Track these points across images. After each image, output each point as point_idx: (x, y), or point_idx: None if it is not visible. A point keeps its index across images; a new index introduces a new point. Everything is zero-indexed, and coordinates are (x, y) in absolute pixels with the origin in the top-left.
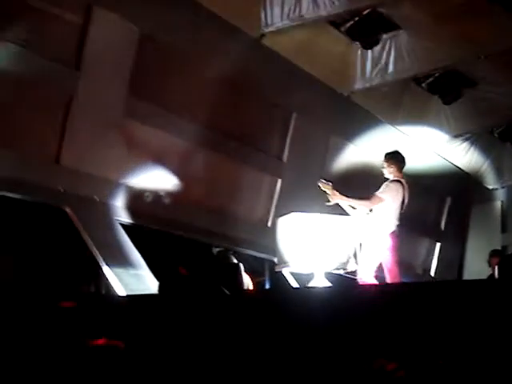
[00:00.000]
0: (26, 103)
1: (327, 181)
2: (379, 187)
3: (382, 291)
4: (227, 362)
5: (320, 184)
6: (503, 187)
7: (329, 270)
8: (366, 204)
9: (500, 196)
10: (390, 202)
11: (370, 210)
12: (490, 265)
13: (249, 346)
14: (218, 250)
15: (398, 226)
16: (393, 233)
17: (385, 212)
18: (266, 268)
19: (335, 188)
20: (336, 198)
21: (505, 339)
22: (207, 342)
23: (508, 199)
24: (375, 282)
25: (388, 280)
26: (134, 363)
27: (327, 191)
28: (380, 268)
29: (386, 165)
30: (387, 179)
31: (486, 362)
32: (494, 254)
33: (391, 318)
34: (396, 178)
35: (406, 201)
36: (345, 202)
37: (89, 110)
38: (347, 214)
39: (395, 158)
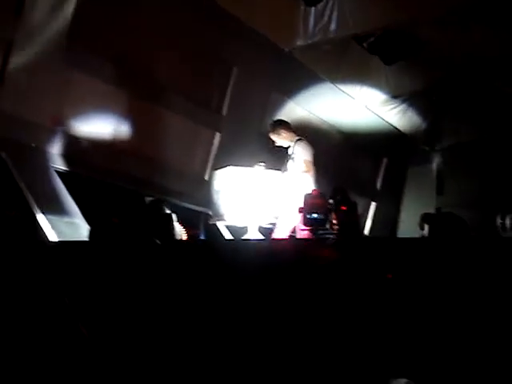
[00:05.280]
0: None
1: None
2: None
3: (315, 245)
4: (156, 311)
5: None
6: (440, 150)
7: (262, 224)
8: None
9: (436, 159)
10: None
11: None
12: (421, 228)
13: (178, 295)
14: (150, 199)
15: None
16: None
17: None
18: (202, 221)
19: None
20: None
21: (429, 297)
22: (136, 291)
23: (444, 162)
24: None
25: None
26: (63, 308)
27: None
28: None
29: (276, 134)
30: (279, 147)
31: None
32: (424, 218)
33: (325, 271)
34: (299, 137)
35: None
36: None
37: (27, 56)
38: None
39: (283, 123)
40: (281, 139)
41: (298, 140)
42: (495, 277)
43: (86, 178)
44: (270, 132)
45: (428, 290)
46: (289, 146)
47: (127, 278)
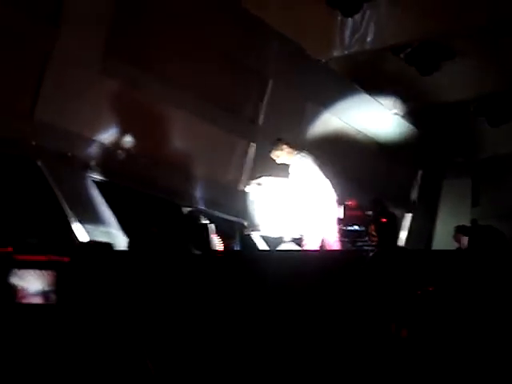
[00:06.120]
0: (2, 57)
1: None
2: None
3: (351, 257)
4: (193, 318)
5: None
6: (475, 161)
7: (297, 235)
8: None
9: (471, 170)
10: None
11: None
12: (456, 240)
13: (214, 302)
14: (188, 209)
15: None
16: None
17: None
18: (237, 231)
19: None
20: None
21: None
22: (175, 299)
23: (479, 173)
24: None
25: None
26: (103, 316)
27: None
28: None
29: (279, 150)
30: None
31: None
32: (459, 230)
33: (357, 282)
34: (300, 151)
35: None
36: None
37: (65, 67)
38: None
39: (282, 140)
40: (283, 155)
41: (300, 154)
42: None
43: (123, 188)
44: (270, 151)
45: (468, 303)
46: (292, 162)
47: (165, 287)
